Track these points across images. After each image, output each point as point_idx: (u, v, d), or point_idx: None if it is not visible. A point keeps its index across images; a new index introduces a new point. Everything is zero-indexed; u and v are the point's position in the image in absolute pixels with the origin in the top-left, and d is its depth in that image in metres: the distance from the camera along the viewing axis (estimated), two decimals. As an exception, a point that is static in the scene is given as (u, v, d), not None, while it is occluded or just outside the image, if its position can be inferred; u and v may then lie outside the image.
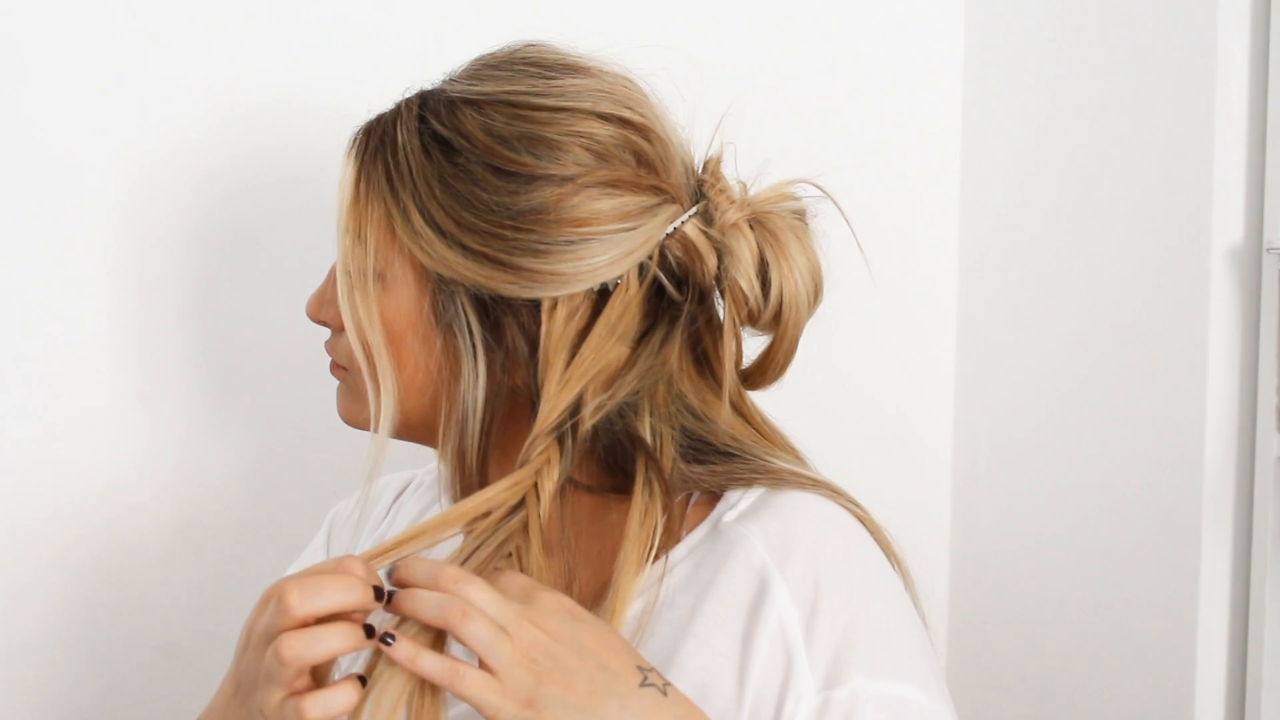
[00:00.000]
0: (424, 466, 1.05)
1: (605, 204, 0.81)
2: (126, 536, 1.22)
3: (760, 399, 0.91)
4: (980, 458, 1.46)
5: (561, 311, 0.82)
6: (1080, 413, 1.32)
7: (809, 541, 0.80)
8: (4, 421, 1.18)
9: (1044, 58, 1.36)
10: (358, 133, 0.88)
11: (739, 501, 0.82)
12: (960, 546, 1.49)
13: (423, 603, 0.72)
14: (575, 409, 0.81)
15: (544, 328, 0.82)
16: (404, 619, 0.74)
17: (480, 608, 0.71)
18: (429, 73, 0.89)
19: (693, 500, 0.85)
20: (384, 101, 0.89)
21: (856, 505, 0.84)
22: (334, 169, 0.89)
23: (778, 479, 0.83)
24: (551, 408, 0.81)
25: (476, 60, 0.88)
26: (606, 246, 0.81)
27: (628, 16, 1.32)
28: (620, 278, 0.82)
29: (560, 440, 0.81)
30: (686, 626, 0.79)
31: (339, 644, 0.71)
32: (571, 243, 0.81)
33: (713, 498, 0.84)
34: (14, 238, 1.17)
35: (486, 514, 0.80)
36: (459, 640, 0.71)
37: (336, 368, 0.92)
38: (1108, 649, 1.28)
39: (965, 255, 1.48)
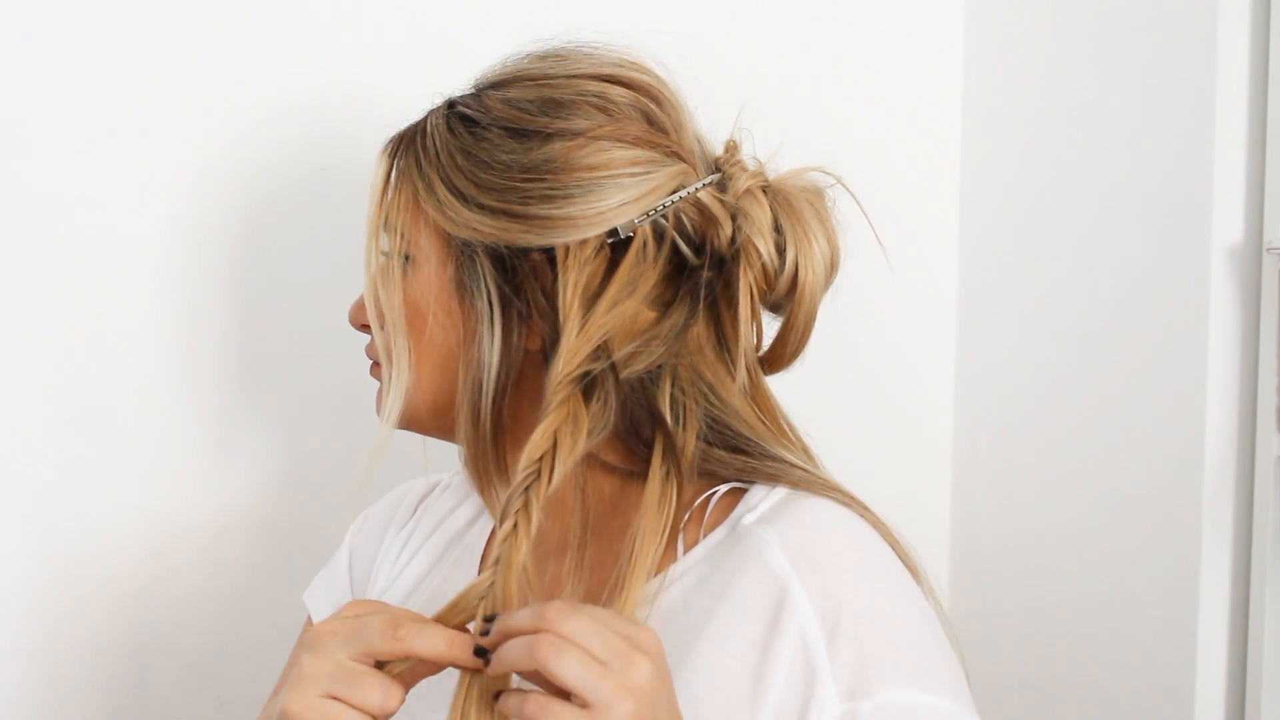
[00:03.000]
0: (451, 470, 1.05)
1: (615, 154, 0.83)
2: (134, 539, 1.22)
3: (764, 389, 0.91)
4: (980, 455, 1.46)
5: (574, 261, 0.83)
6: (1080, 412, 1.32)
7: (830, 552, 0.79)
8: (19, 424, 1.17)
9: (1044, 57, 1.37)
10: (390, 138, 0.90)
11: (760, 503, 0.82)
12: (960, 541, 1.49)
13: (512, 653, 0.69)
14: (597, 357, 0.81)
15: (559, 279, 0.83)
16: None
17: (579, 641, 0.67)
18: (468, 71, 0.91)
19: (714, 500, 0.84)
20: (416, 109, 0.91)
21: (872, 514, 0.84)
22: (353, 171, 0.90)
23: (799, 482, 0.83)
24: (574, 353, 0.81)
25: (500, 60, 0.90)
26: (616, 190, 0.83)
27: (634, 16, 1.32)
28: (632, 229, 0.83)
29: (586, 393, 0.80)
30: (701, 629, 0.79)
31: (442, 651, 0.72)
32: (581, 187, 0.82)
33: (734, 497, 0.84)
34: (26, 242, 1.17)
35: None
36: (552, 678, 0.67)
37: (377, 368, 0.92)
38: (1108, 647, 1.28)
39: (965, 254, 1.48)
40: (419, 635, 0.71)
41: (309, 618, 1.06)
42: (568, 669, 0.66)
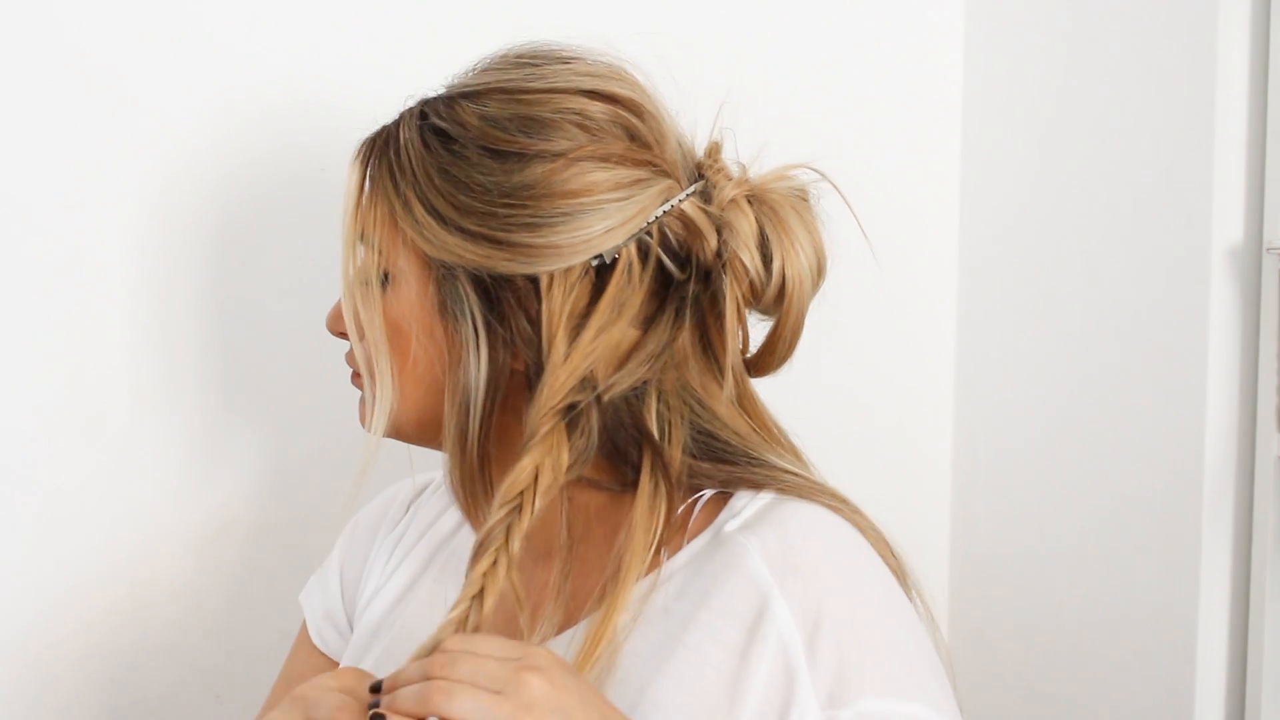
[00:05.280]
0: (440, 470, 1.05)
1: (598, 176, 0.82)
2: (130, 540, 1.22)
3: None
4: (980, 460, 1.46)
5: (559, 288, 0.82)
6: (1080, 414, 1.32)
7: (811, 559, 0.79)
8: (13, 429, 1.18)
9: (1044, 57, 1.36)
10: (362, 143, 0.89)
11: (743, 509, 0.82)
12: (960, 550, 1.48)
13: (402, 699, 0.69)
14: (583, 388, 0.80)
15: (543, 306, 0.82)
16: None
17: (468, 680, 0.68)
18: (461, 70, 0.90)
19: (699, 505, 0.84)
20: (394, 109, 0.90)
21: (860, 515, 0.84)
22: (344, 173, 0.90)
23: (785, 487, 0.82)
24: (559, 385, 0.80)
25: (474, 64, 0.89)
26: (600, 217, 0.82)
27: (623, 13, 1.32)
28: (617, 251, 0.82)
29: (571, 425, 0.80)
30: (680, 635, 0.79)
31: None
32: (565, 214, 0.81)
33: (719, 502, 0.84)
34: (17, 246, 1.17)
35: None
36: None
37: (357, 377, 0.92)
38: (1108, 652, 1.28)
39: (965, 256, 1.48)
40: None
41: (305, 621, 1.06)
42: (463, 707, 0.67)
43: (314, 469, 1.26)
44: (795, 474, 0.84)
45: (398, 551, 1.01)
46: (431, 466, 1.02)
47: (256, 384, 1.25)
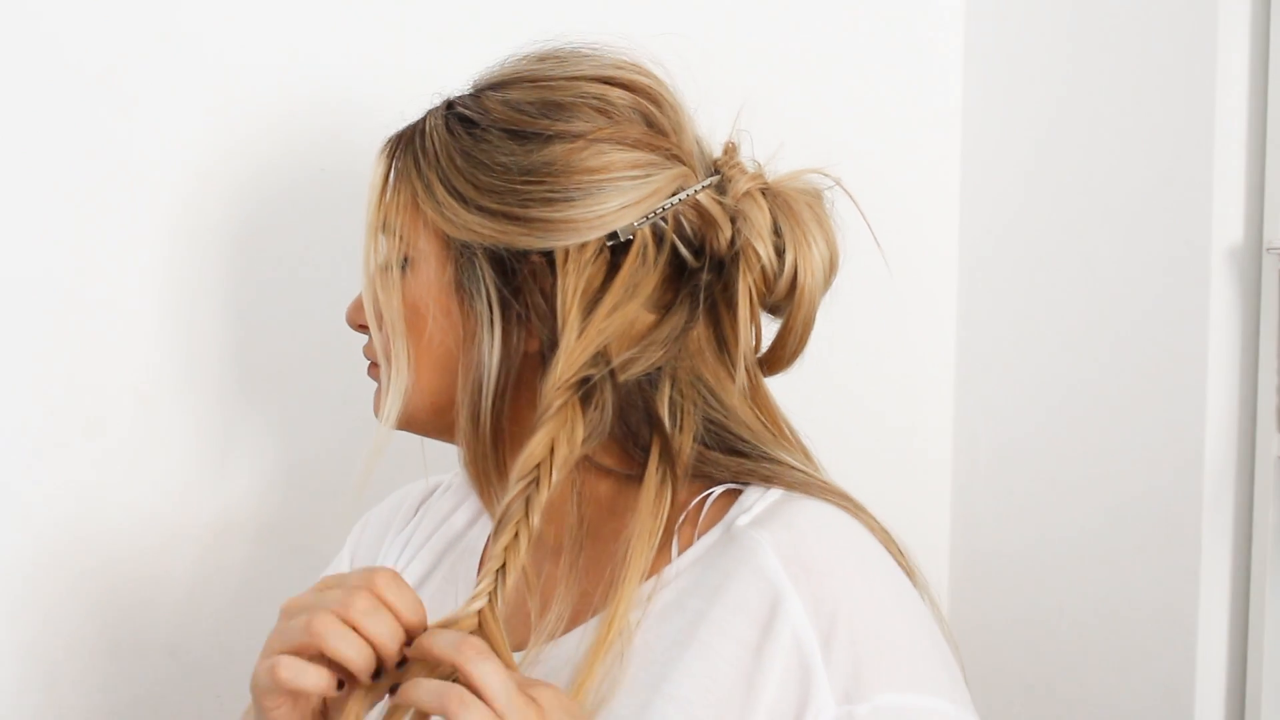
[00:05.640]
0: (450, 471, 1.05)
1: (616, 156, 0.84)
2: (134, 539, 1.22)
3: (765, 398, 0.91)
4: (980, 459, 1.46)
5: (573, 264, 0.83)
6: (1080, 413, 1.32)
7: (824, 556, 0.79)
8: (20, 427, 1.18)
9: (1045, 57, 1.37)
10: (389, 138, 0.90)
11: (754, 505, 0.82)
12: (960, 548, 1.49)
13: (422, 691, 0.71)
14: (596, 363, 0.81)
15: (558, 282, 0.83)
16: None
17: (487, 689, 0.70)
18: (466, 72, 0.92)
19: (709, 501, 0.84)
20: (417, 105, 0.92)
21: (867, 514, 0.84)
22: (352, 172, 0.90)
23: (793, 484, 0.83)
24: (573, 358, 0.81)
25: (500, 61, 0.91)
26: (616, 193, 0.83)
27: (633, 17, 1.32)
28: (632, 231, 0.83)
29: (585, 399, 0.81)
30: (694, 631, 0.79)
31: (323, 687, 0.72)
32: (582, 190, 0.83)
33: (729, 498, 0.84)
34: (25, 245, 1.17)
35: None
36: None
37: (374, 368, 0.92)
38: (1108, 650, 1.28)
39: (965, 256, 1.48)
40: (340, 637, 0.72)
41: None
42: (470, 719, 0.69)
43: (320, 472, 1.26)
44: (803, 471, 0.85)
45: (408, 549, 1.01)
46: (444, 468, 1.02)
47: (264, 386, 1.25)
